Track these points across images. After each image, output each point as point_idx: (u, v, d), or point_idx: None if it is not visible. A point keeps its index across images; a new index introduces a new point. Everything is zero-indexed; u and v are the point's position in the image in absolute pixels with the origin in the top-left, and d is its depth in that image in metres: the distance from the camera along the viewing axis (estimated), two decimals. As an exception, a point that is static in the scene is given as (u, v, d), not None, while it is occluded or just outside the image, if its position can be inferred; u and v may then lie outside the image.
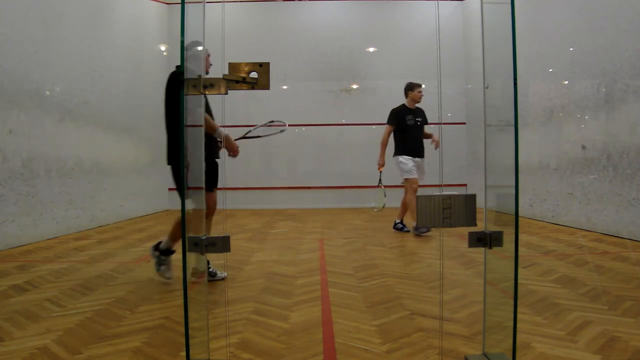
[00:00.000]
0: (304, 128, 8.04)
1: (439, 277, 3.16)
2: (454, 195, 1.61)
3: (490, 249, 1.62)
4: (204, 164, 1.63)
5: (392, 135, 5.14)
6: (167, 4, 7.74)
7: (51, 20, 4.99)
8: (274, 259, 3.81)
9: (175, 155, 2.85)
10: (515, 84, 1.55)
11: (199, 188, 1.65)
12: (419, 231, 4.88)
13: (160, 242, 3.10)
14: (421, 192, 1.60)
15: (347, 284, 2.99)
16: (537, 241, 4.46)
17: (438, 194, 1.59)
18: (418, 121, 5.05)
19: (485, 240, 1.61)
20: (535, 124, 5.97)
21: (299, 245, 4.53)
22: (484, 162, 1.72)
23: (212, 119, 2.97)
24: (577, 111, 5.22)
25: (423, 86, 5.06)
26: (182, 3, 1.50)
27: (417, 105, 5.13)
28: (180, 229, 2.66)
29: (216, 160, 3.13)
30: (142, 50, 7.19)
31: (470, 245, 1.61)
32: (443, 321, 2.24)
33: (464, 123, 7.84)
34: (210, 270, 3.07)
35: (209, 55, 2.93)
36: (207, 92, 1.53)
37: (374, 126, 7.95)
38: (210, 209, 3.10)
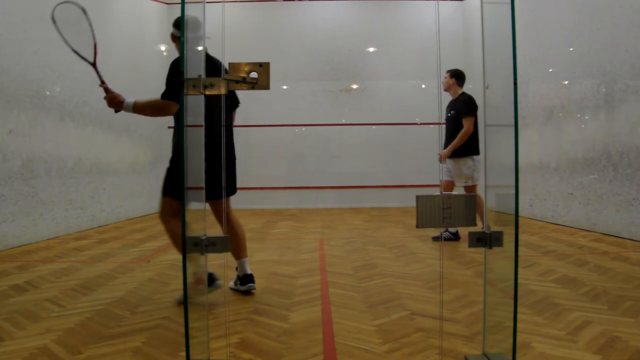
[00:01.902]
0: (304, 128, 8.04)
1: (439, 277, 3.16)
2: (454, 196, 1.61)
3: (490, 249, 1.62)
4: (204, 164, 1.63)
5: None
6: (167, 4, 7.74)
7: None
8: (273, 259, 3.80)
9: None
10: (515, 84, 1.55)
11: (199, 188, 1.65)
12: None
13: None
14: (421, 192, 1.60)
15: (347, 284, 2.99)
16: (537, 241, 4.46)
17: (438, 194, 1.59)
18: (450, 113, 4.51)
19: (485, 240, 1.61)
20: (535, 124, 5.96)
21: (299, 245, 4.53)
22: (484, 162, 1.72)
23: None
24: (577, 111, 5.22)
25: (446, 73, 4.53)
26: (182, 3, 1.50)
27: (456, 95, 4.49)
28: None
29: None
30: (142, 51, 7.19)
31: (470, 245, 1.61)
32: (443, 321, 2.24)
33: (464, 123, 7.84)
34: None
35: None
36: (207, 92, 1.53)
37: (374, 126, 7.96)
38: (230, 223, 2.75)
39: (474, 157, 4.38)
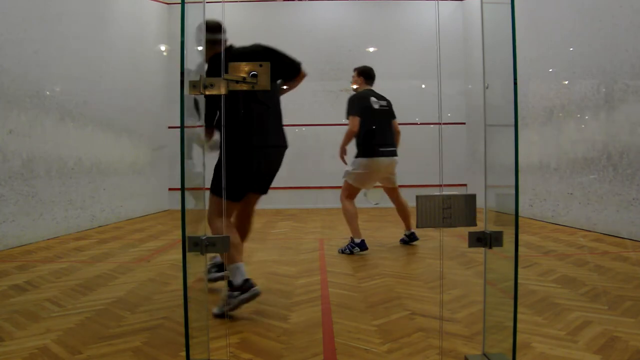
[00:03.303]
0: (304, 128, 8.03)
1: (439, 277, 3.16)
2: (454, 195, 1.61)
3: (490, 249, 1.62)
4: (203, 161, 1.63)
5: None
6: (167, 4, 7.74)
7: (51, 20, 4.99)
8: (273, 259, 3.80)
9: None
10: (515, 84, 1.56)
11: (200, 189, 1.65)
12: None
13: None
14: (421, 192, 1.60)
15: (347, 284, 2.99)
16: (537, 241, 4.46)
17: (438, 194, 1.59)
18: None
19: (485, 240, 1.61)
20: (535, 124, 5.96)
21: (299, 245, 4.53)
22: (484, 162, 1.72)
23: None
24: (577, 111, 5.22)
25: (354, 71, 4.39)
26: (182, 3, 1.50)
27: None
28: None
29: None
30: (142, 51, 7.19)
31: (470, 245, 1.61)
32: (443, 321, 2.24)
33: (464, 123, 7.84)
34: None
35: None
36: (207, 92, 1.53)
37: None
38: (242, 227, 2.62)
39: (359, 159, 4.27)
